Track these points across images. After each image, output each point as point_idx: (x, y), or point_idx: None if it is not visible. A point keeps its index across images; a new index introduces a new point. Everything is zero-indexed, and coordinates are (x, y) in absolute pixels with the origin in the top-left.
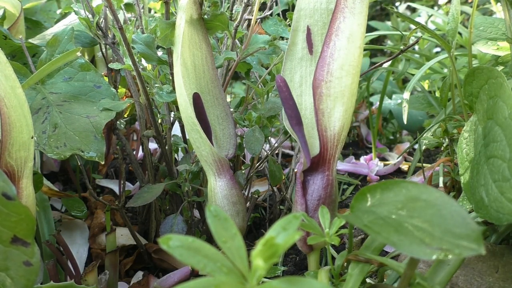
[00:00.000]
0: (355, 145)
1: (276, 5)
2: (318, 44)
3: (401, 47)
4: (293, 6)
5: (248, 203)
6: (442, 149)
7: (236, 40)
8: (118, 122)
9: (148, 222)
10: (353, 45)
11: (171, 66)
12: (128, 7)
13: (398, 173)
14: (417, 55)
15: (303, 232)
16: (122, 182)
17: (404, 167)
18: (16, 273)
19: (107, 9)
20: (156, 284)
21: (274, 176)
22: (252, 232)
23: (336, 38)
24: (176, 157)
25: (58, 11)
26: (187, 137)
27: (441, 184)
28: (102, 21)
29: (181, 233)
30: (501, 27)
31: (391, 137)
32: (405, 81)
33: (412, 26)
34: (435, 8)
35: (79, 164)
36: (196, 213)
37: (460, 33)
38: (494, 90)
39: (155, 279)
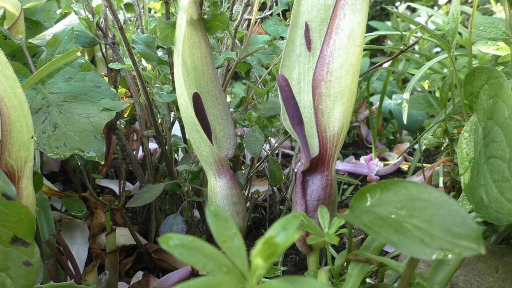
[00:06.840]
0: (355, 145)
1: (276, 5)
2: (316, 40)
3: (401, 47)
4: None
5: (248, 203)
6: (442, 149)
7: (236, 40)
8: (118, 122)
9: (148, 222)
10: (353, 43)
11: (171, 66)
12: (128, 7)
13: (398, 173)
14: (417, 55)
15: (303, 232)
16: (122, 182)
17: (404, 167)
18: (16, 273)
19: (107, 9)
20: (156, 284)
21: (274, 176)
22: (252, 232)
23: (336, 36)
24: (176, 157)
25: (58, 11)
26: (187, 137)
27: (441, 184)
28: (102, 21)
29: (181, 233)
30: (501, 27)
31: (391, 137)
32: (405, 81)
33: (412, 26)
34: (435, 8)
35: (79, 164)
36: (196, 213)
37: (460, 33)
38: (494, 90)
39: (155, 279)
